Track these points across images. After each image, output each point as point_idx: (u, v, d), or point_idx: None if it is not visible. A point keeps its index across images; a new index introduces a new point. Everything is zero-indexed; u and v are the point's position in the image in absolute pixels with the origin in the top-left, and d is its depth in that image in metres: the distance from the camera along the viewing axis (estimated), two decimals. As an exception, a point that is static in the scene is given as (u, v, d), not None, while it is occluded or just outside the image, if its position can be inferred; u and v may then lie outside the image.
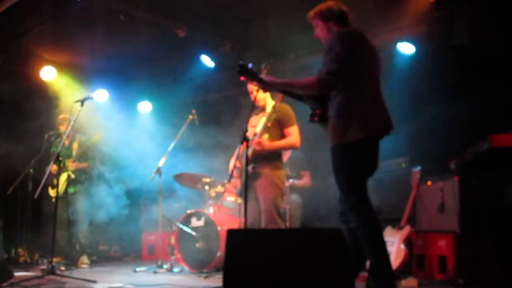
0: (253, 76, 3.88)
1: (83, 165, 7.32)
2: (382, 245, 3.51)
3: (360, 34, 3.75)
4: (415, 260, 5.27)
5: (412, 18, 6.44)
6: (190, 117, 6.93)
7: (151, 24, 7.15)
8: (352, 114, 3.56)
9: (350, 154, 3.56)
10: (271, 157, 5.13)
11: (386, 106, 3.68)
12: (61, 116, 7.37)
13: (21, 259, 7.29)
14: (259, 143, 4.96)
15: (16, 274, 5.15)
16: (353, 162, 3.57)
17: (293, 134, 5.15)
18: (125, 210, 7.97)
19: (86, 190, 7.32)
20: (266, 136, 5.05)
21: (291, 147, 5.38)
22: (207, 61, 8.08)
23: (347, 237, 3.60)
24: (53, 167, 6.46)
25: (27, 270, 6.09)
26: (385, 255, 3.49)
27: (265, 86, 3.91)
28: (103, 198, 7.50)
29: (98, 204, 7.46)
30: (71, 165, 7.22)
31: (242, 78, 4.06)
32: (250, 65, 3.89)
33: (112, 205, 7.61)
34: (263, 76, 3.88)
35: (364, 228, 3.49)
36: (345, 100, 3.59)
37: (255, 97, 4.68)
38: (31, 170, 7.19)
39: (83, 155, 7.29)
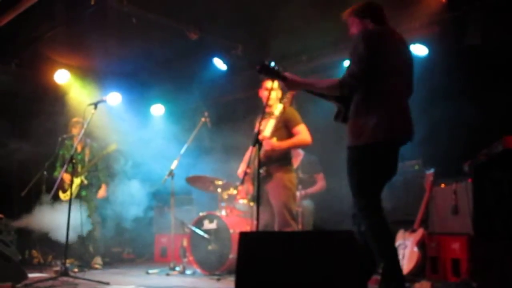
0: (276, 75, 3.79)
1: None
2: (391, 249, 3.49)
3: (387, 33, 3.64)
4: (428, 263, 5.24)
5: (424, 20, 6.41)
6: (203, 119, 6.95)
7: (164, 27, 7.17)
8: (370, 115, 3.49)
9: (363, 157, 3.52)
10: (282, 161, 5.16)
11: (409, 111, 3.60)
12: (74, 119, 7.42)
13: (35, 261, 7.34)
14: (267, 142, 4.98)
15: (30, 275, 5.19)
16: (365, 165, 3.53)
17: (302, 132, 5.18)
18: (139, 213, 8.01)
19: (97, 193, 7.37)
20: (274, 139, 5.07)
21: (302, 144, 5.36)
22: (219, 64, 8.10)
23: (359, 239, 3.59)
24: (66, 173, 6.52)
25: (40, 272, 6.13)
26: (395, 259, 3.46)
27: (288, 85, 3.83)
28: (117, 200, 7.55)
29: (112, 207, 7.51)
30: (83, 171, 7.27)
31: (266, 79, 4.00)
32: (272, 64, 3.83)
33: (127, 208, 7.66)
34: (287, 74, 3.78)
35: (372, 233, 3.47)
36: (364, 101, 3.53)
37: (268, 97, 4.70)
38: (45, 173, 7.24)
39: (94, 165, 7.33)
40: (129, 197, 7.68)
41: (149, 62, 8.22)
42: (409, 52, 3.75)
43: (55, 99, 8.41)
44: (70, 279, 5.21)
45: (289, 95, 4.97)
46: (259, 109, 4.82)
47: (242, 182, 4.98)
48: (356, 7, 3.79)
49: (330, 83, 3.63)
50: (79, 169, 7.19)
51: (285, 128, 5.16)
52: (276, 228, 5.02)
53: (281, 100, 5.21)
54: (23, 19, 6.61)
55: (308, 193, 6.77)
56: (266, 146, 4.99)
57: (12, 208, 7.76)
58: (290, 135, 5.18)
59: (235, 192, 6.63)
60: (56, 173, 7.29)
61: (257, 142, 4.27)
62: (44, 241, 7.13)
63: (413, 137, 3.62)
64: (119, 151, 7.58)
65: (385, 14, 3.75)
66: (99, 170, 7.40)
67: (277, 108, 5.18)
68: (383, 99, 3.52)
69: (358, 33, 3.66)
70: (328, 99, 3.91)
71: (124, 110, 8.51)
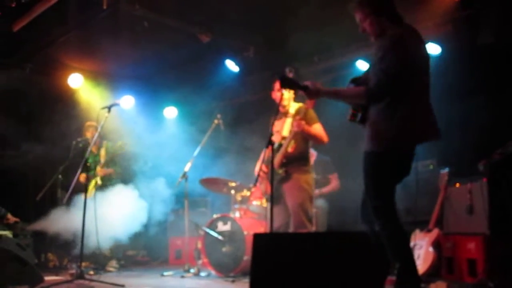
0: (297, 86, 3.74)
1: (110, 170, 7.41)
2: (406, 249, 3.47)
3: (411, 35, 3.56)
4: (444, 263, 5.20)
5: (438, 18, 6.37)
6: (216, 121, 6.96)
7: (176, 30, 7.20)
8: (390, 122, 3.43)
9: (383, 162, 3.47)
10: (300, 161, 5.17)
11: (431, 113, 3.52)
12: (87, 123, 7.47)
13: (51, 264, 7.39)
14: (299, 123, 4.98)
15: (46, 278, 5.23)
16: (385, 170, 3.49)
17: (319, 130, 5.20)
18: (154, 215, 8.02)
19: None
20: (292, 143, 5.08)
21: (320, 138, 5.31)
22: (231, 65, 8.11)
23: (372, 240, 3.57)
24: (81, 175, 6.54)
25: (56, 275, 6.17)
26: (410, 259, 3.43)
27: (311, 94, 3.71)
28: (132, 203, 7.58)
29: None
30: (99, 171, 7.32)
31: (281, 89, 3.95)
32: (291, 75, 3.83)
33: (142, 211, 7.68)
34: (309, 83, 3.67)
35: (387, 232, 3.44)
36: (385, 107, 3.45)
37: (281, 98, 4.71)
38: (60, 176, 7.28)
39: (110, 161, 7.38)
40: (150, 198, 7.69)
41: (162, 65, 8.26)
42: (426, 49, 3.66)
43: (69, 103, 8.46)
44: (86, 282, 5.24)
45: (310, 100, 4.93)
46: (272, 110, 4.81)
47: (257, 180, 4.96)
48: (372, 1, 3.61)
49: (357, 93, 3.55)
50: (95, 171, 7.24)
51: None
52: (291, 229, 5.01)
53: (295, 99, 5.22)
54: (37, 24, 6.67)
55: (322, 193, 6.76)
56: (297, 127, 5.00)
57: (28, 212, 7.81)
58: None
59: (248, 194, 6.63)
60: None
61: (271, 143, 4.28)
62: (60, 244, 7.17)
63: (440, 134, 3.53)
64: (131, 152, 7.60)
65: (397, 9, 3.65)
66: (117, 165, 7.44)
67: (292, 107, 5.19)
68: (409, 104, 3.44)
69: (386, 39, 3.51)
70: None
71: (137, 113, 8.55)
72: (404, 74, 3.40)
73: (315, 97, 3.79)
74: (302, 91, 3.73)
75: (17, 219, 7.10)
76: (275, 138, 5.07)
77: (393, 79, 3.39)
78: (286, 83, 3.79)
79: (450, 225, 5.37)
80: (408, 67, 3.41)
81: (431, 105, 3.55)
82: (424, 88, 3.55)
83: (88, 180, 6.45)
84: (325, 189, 6.83)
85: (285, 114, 5.27)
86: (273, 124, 4.38)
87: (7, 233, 6.25)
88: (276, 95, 5.32)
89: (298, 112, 5.12)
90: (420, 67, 3.53)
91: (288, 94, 5.22)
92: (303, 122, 5.03)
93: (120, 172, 7.51)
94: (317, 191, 6.58)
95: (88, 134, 7.32)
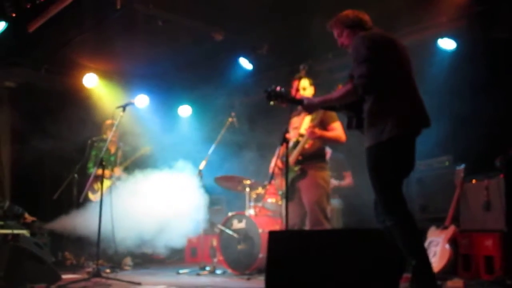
0: (288, 100, 4.02)
1: (124, 174, 7.46)
2: (419, 245, 3.46)
3: (382, 34, 3.74)
4: (460, 260, 5.16)
5: (452, 14, 6.33)
6: (230, 119, 6.97)
7: (189, 29, 7.22)
8: (385, 113, 3.52)
9: (384, 153, 3.53)
10: (317, 158, 5.14)
11: (421, 101, 3.63)
12: (108, 121, 7.51)
13: (68, 262, 7.45)
14: (311, 132, 4.98)
15: (64, 276, 5.27)
16: (387, 160, 3.53)
17: (338, 129, 5.16)
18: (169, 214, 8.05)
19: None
20: (308, 140, 5.07)
21: (337, 140, 5.31)
22: (245, 63, 8.11)
23: (386, 237, 3.57)
24: (97, 173, 6.60)
25: (73, 273, 6.21)
26: (423, 254, 3.42)
27: (307, 109, 3.99)
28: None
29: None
30: (116, 171, 7.36)
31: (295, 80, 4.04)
32: (278, 89, 3.95)
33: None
34: (304, 98, 3.94)
35: (399, 229, 3.44)
36: (377, 100, 3.56)
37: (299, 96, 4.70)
38: (76, 175, 7.34)
39: (129, 165, 7.43)
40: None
41: (175, 63, 8.28)
42: (404, 47, 3.79)
43: (84, 103, 8.53)
44: (103, 280, 5.28)
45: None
46: (287, 107, 4.80)
47: (272, 176, 4.93)
48: (345, 18, 3.90)
49: (345, 91, 3.68)
50: (110, 170, 7.30)
51: (320, 125, 5.12)
52: (307, 227, 4.99)
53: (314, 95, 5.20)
54: (52, 25, 6.72)
55: (337, 186, 6.72)
56: (309, 135, 5.00)
57: (45, 211, 7.89)
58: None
59: (263, 191, 6.63)
60: (90, 170, 7.36)
61: (285, 140, 4.28)
62: (76, 242, 7.23)
63: (430, 123, 3.61)
64: (152, 155, 7.66)
65: (367, 21, 3.86)
66: (130, 171, 7.49)
67: None
68: (395, 94, 3.56)
69: (355, 39, 3.73)
70: (339, 110, 3.99)
71: (152, 112, 8.58)
72: (379, 62, 3.54)
73: (313, 110, 4.12)
74: (296, 105, 4.01)
75: (34, 218, 7.17)
76: (293, 135, 5.08)
77: (371, 66, 3.52)
78: (275, 97, 4.00)
79: (467, 222, 5.33)
80: (380, 55, 3.56)
81: (418, 95, 3.64)
82: (408, 76, 3.66)
83: (103, 178, 6.48)
84: (341, 183, 6.82)
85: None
86: (289, 120, 4.37)
87: (25, 232, 6.32)
88: (293, 93, 5.26)
89: (317, 111, 5.05)
90: (399, 59, 3.66)
91: (307, 90, 5.20)
92: (316, 130, 5.01)
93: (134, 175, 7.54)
94: (335, 182, 6.56)
95: (108, 133, 7.37)
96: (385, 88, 3.55)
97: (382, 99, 3.55)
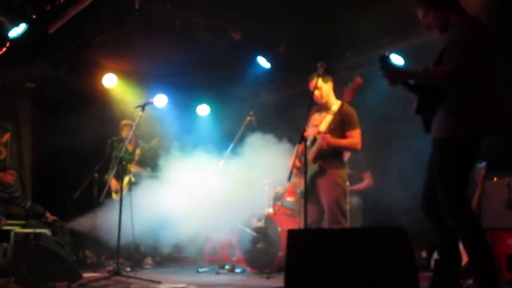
0: (389, 68, 3.61)
1: (142, 170, 7.50)
2: (483, 246, 3.33)
3: (480, 23, 3.57)
4: (482, 258, 5.09)
5: (473, 10, 6.24)
6: (248, 118, 6.97)
7: (207, 28, 7.23)
8: (468, 109, 3.38)
9: (459, 151, 3.40)
10: (334, 156, 5.09)
11: (502, 101, 3.48)
12: (123, 122, 7.57)
13: (89, 261, 7.52)
14: (324, 137, 4.93)
15: (84, 275, 5.32)
16: (460, 159, 3.41)
17: (355, 137, 5.05)
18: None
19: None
20: (328, 136, 5.02)
21: (351, 148, 5.28)
22: (263, 62, 8.10)
23: (438, 236, 3.52)
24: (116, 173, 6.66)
25: (94, 271, 6.27)
26: (488, 257, 3.30)
27: (395, 78, 3.62)
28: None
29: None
30: (133, 167, 7.40)
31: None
32: (387, 54, 3.69)
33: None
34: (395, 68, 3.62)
35: (463, 227, 3.35)
36: (463, 94, 3.41)
37: (321, 95, 4.67)
38: (96, 175, 7.40)
39: (142, 161, 7.48)
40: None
41: (194, 63, 8.30)
42: (496, 40, 3.63)
43: (104, 102, 8.60)
44: (123, 278, 5.32)
45: (350, 89, 4.86)
46: (305, 106, 4.76)
47: (290, 175, 4.90)
48: None
49: (439, 73, 3.49)
50: (129, 168, 7.34)
51: (340, 126, 5.04)
52: (326, 225, 4.97)
53: (339, 97, 5.11)
54: (71, 26, 6.79)
55: (355, 190, 6.67)
56: (321, 141, 4.95)
57: (66, 210, 7.98)
58: (343, 135, 5.06)
59: (282, 190, 6.62)
60: (106, 176, 7.44)
61: (303, 138, 4.24)
62: (97, 241, 7.29)
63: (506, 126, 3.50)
64: (163, 147, 7.67)
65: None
66: (149, 165, 7.54)
67: (335, 104, 5.10)
68: (482, 92, 3.42)
69: (459, 25, 3.50)
70: (415, 91, 3.72)
71: (170, 111, 8.62)
72: (480, 57, 3.38)
73: (399, 81, 3.68)
74: (390, 73, 3.60)
75: (55, 217, 7.26)
76: (312, 132, 5.04)
77: (473, 60, 3.36)
78: (385, 64, 3.60)
79: (488, 220, 5.27)
80: (482, 51, 3.40)
81: (499, 95, 3.50)
82: (495, 72, 3.51)
83: (123, 178, 6.54)
84: (357, 186, 6.74)
85: (327, 109, 5.16)
86: (309, 118, 4.32)
87: (46, 231, 6.40)
88: (315, 84, 5.16)
89: (339, 112, 4.99)
90: (490, 56, 3.49)
91: (326, 87, 5.14)
92: (327, 136, 4.93)
93: (151, 172, 7.57)
94: (349, 188, 6.52)
95: (124, 133, 7.42)
96: (473, 84, 3.39)
97: (467, 94, 3.40)
